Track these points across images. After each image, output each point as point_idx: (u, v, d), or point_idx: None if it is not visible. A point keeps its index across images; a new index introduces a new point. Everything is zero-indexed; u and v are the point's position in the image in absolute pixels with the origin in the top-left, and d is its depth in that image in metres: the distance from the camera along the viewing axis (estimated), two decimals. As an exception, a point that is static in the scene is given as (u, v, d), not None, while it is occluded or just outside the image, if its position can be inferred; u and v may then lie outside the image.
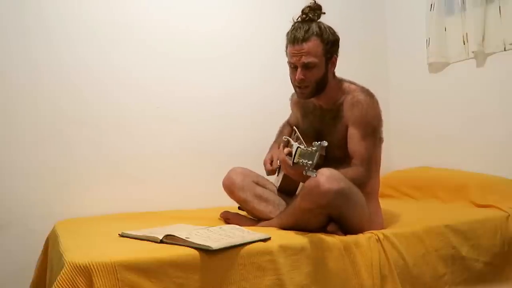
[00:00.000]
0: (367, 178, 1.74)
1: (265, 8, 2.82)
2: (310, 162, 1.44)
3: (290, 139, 1.77)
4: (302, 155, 1.50)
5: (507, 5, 2.39)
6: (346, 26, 3.01)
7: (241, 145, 2.63)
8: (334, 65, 1.81)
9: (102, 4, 2.42)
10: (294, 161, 1.56)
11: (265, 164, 1.94)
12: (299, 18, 1.78)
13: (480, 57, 2.55)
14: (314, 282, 1.51)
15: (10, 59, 2.24)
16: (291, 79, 1.81)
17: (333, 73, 1.84)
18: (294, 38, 1.74)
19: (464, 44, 2.60)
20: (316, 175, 1.47)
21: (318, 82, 1.77)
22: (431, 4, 2.73)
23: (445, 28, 2.71)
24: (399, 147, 3.02)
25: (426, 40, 2.79)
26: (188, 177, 2.56)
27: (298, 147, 1.56)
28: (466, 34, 2.58)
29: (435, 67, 2.83)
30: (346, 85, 1.84)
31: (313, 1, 1.79)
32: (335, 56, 1.80)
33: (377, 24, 3.18)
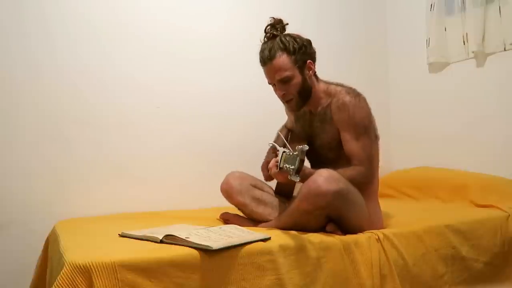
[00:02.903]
0: (369, 177, 1.75)
1: (265, 9, 2.82)
2: (293, 167, 1.46)
3: (276, 145, 1.77)
4: (286, 160, 1.53)
5: (507, 5, 2.39)
6: (346, 27, 3.04)
7: (241, 145, 2.64)
8: (310, 69, 1.82)
9: (103, 4, 2.43)
10: (280, 166, 1.58)
11: (262, 170, 1.93)
12: (265, 38, 1.81)
13: (480, 57, 2.55)
14: (313, 282, 1.51)
15: (10, 59, 2.24)
16: (277, 96, 1.85)
17: (315, 77, 1.85)
18: (262, 60, 1.79)
19: (464, 44, 2.60)
20: (299, 180, 1.48)
21: (300, 91, 1.80)
22: (431, 4, 2.73)
23: (445, 28, 2.71)
24: (399, 147, 3.02)
25: (426, 40, 2.79)
26: (189, 177, 2.57)
27: (283, 152, 1.57)
28: (466, 34, 2.58)
29: (435, 67, 2.83)
30: (332, 87, 1.85)
31: (272, 18, 1.82)
32: (309, 61, 1.81)
33: (377, 24, 3.18)
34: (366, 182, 1.73)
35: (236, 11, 2.77)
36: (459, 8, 2.63)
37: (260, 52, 1.80)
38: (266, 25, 1.81)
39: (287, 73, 1.76)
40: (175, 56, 2.58)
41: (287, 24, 1.82)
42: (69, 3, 2.36)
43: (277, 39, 1.78)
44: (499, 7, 2.41)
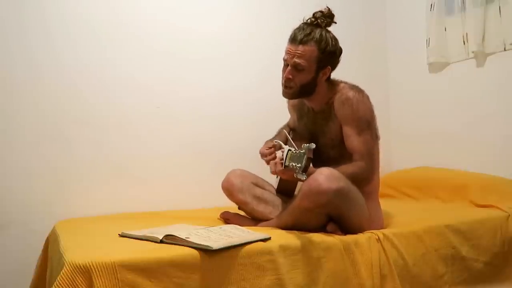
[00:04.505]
0: (370, 172, 1.74)
1: (265, 9, 2.82)
2: (299, 165, 1.45)
3: (281, 143, 1.76)
4: (292, 158, 1.52)
5: (507, 5, 2.39)
6: (346, 26, 3.00)
7: (241, 145, 2.63)
8: (325, 75, 1.82)
9: (103, 4, 2.42)
10: (286, 164, 1.56)
11: (261, 153, 1.83)
12: (308, 20, 1.79)
13: (480, 57, 2.55)
14: (313, 282, 1.51)
15: (10, 59, 2.24)
16: (282, 75, 1.83)
17: (327, 80, 1.84)
18: (294, 37, 1.77)
19: (464, 44, 2.60)
20: (306, 178, 1.47)
21: (303, 85, 1.79)
22: (431, 4, 2.73)
23: (445, 28, 2.71)
24: (399, 147, 3.02)
25: (426, 40, 2.79)
26: (189, 177, 2.56)
27: (289, 150, 1.56)
28: (466, 34, 2.58)
29: (435, 67, 2.83)
30: (335, 84, 1.85)
31: (328, 8, 1.80)
32: (329, 67, 1.81)
33: (377, 24, 3.18)
34: (366, 177, 1.73)
35: (236, 11, 2.77)
36: (459, 8, 2.63)
37: (296, 29, 1.78)
38: (317, 11, 1.79)
39: (305, 64, 1.75)
40: (175, 56, 2.58)
41: (335, 23, 1.81)
42: (69, 3, 2.36)
43: (319, 30, 1.76)
44: (499, 7, 2.41)
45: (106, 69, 2.42)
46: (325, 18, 1.78)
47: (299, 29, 1.77)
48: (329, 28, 1.82)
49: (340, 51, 1.82)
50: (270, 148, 1.78)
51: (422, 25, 2.83)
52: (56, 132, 2.31)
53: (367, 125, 1.76)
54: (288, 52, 1.78)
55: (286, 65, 1.81)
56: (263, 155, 1.82)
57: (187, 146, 2.58)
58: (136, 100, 2.49)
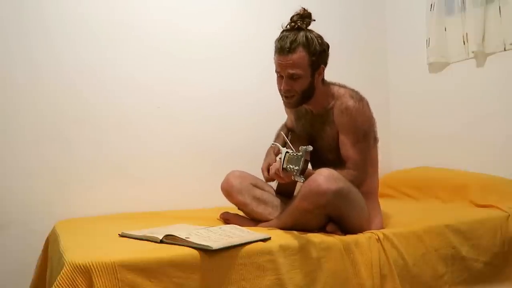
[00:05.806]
0: (361, 180, 1.75)
1: (265, 9, 2.82)
2: (297, 167, 1.45)
3: (279, 145, 1.76)
4: (289, 161, 1.52)
5: (507, 5, 2.39)
6: (346, 26, 3.04)
7: (242, 145, 2.63)
8: (321, 74, 1.79)
9: (103, 4, 2.42)
10: (283, 166, 1.56)
11: (263, 172, 1.90)
12: (288, 26, 1.76)
13: (480, 57, 2.55)
14: (313, 282, 1.51)
15: (10, 59, 2.24)
16: (278, 87, 1.81)
17: (322, 80, 1.83)
18: (281, 48, 1.73)
19: (464, 44, 2.60)
20: (304, 181, 1.47)
21: (303, 91, 1.77)
22: (431, 4, 2.73)
23: (445, 28, 2.71)
24: (399, 147, 3.02)
25: (426, 40, 2.79)
26: (189, 177, 2.56)
27: (286, 152, 1.56)
28: (466, 34, 2.58)
29: (435, 67, 2.83)
30: (335, 89, 1.83)
31: (303, 8, 1.76)
32: (322, 66, 1.78)
33: (377, 24, 3.18)
34: (357, 185, 1.73)
35: (237, 11, 2.77)
36: (459, 8, 2.63)
37: (279, 40, 1.74)
38: (293, 14, 1.75)
39: (300, 72, 1.72)
40: (175, 56, 2.58)
41: (314, 20, 1.76)
42: (68, 3, 2.36)
43: (302, 33, 1.72)
44: (499, 7, 2.41)
45: (106, 69, 2.42)
46: (304, 19, 1.74)
47: (282, 38, 1.73)
48: (327, 27, 1.80)
49: (327, 46, 1.78)
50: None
51: (422, 25, 2.83)
52: (56, 132, 2.31)
53: (363, 135, 1.76)
54: (279, 65, 1.75)
55: (280, 77, 1.78)
56: (264, 171, 1.87)
57: (188, 146, 2.58)
58: (136, 100, 2.49)
